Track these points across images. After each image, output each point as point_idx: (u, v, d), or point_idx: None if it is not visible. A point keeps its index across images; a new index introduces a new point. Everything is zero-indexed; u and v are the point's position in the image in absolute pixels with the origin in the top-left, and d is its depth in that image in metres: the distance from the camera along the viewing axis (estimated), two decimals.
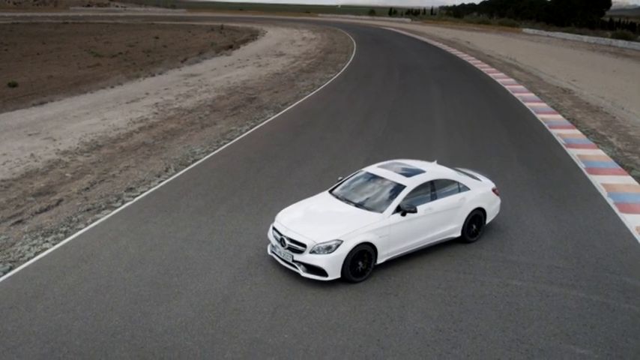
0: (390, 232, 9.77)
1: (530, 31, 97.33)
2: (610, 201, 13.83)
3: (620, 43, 71.69)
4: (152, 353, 7.58)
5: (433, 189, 10.66)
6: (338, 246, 9.27)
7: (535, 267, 10.34)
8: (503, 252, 10.93)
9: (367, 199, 10.41)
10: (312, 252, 9.33)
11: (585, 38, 79.76)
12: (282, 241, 9.74)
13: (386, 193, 10.35)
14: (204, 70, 37.83)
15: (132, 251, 10.51)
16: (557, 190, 14.50)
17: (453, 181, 11.06)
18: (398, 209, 9.97)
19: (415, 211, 10.02)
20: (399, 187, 10.35)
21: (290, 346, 7.82)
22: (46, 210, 12.53)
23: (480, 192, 11.36)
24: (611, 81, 37.03)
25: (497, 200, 11.80)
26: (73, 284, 9.30)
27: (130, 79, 33.35)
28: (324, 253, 9.27)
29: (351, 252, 9.31)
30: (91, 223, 11.78)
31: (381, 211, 9.93)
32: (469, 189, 11.18)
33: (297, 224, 9.87)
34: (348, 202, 10.46)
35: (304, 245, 9.40)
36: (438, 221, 10.58)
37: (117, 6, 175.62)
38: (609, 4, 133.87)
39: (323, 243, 9.29)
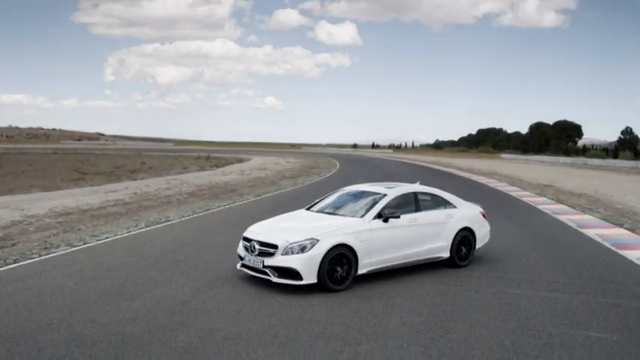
0: (371, 238, 8.87)
1: (508, 155, 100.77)
2: (606, 243, 13.05)
3: (596, 161, 73.98)
4: (91, 338, 6.34)
5: (417, 203, 9.94)
6: (313, 245, 8.31)
7: (533, 281, 9.34)
8: (496, 272, 9.96)
9: (347, 209, 9.65)
10: (285, 253, 8.36)
11: (562, 159, 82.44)
12: (251, 248, 8.76)
13: (367, 203, 9.59)
14: (187, 177, 37.71)
15: (86, 272, 9.40)
16: (549, 237, 13.78)
17: (438, 197, 10.41)
18: (379, 216, 9.17)
19: (398, 217, 9.21)
20: (380, 197, 9.63)
21: (256, 334, 6.63)
22: None
23: (467, 212, 10.62)
24: (591, 181, 37.38)
25: (487, 225, 11.01)
26: (12, 292, 8.14)
27: (111, 182, 33.07)
28: (297, 253, 8.30)
29: (328, 253, 8.33)
30: (45, 255, 10.70)
31: (361, 216, 9.13)
32: (455, 207, 10.46)
33: (269, 230, 8.98)
34: (327, 213, 9.67)
35: (275, 247, 8.44)
36: (424, 235, 9.70)
37: (107, 140, 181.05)
38: (581, 134, 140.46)
39: (297, 242, 8.35)
